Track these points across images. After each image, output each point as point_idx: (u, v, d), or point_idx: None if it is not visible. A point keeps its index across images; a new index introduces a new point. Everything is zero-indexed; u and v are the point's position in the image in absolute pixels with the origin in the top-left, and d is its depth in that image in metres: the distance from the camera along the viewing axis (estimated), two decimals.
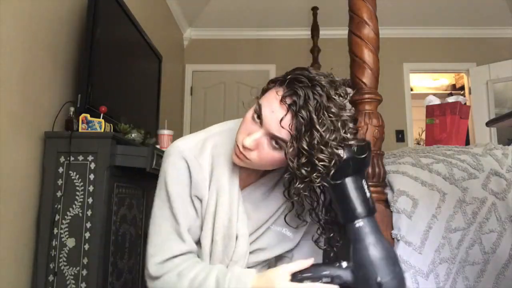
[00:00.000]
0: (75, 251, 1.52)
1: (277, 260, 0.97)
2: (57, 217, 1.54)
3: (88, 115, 1.64)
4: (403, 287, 0.72)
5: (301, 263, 0.75)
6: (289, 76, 0.73)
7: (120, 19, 2.06)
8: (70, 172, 1.56)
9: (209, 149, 0.86)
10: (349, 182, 0.72)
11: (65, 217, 1.54)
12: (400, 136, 4.14)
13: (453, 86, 5.36)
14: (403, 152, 1.27)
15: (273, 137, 0.74)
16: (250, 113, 0.78)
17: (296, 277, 0.74)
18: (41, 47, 1.64)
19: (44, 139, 1.61)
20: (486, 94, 3.97)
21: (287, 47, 4.22)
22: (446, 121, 1.76)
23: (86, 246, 1.52)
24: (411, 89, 4.54)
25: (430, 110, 1.85)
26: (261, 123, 0.75)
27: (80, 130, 1.62)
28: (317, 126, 0.68)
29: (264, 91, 0.79)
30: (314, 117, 0.68)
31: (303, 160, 0.69)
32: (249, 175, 0.89)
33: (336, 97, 0.71)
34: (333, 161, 0.69)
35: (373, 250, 0.70)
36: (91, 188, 1.55)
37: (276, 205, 0.90)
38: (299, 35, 4.13)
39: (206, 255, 0.87)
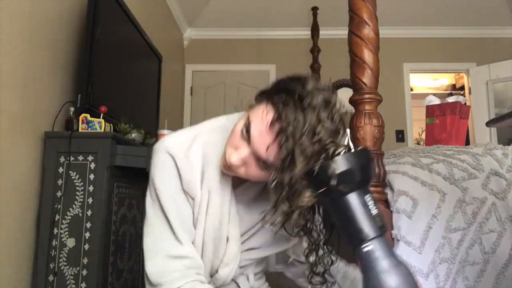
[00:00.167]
0: (75, 251, 1.52)
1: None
2: (57, 217, 1.54)
3: (88, 115, 1.64)
4: None
5: None
6: (279, 93, 0.69)
7: (120, 19, 2.06)
8: (70, 172, 1.56)
9: (200, 147, 0.82)
10: (351, 199, 0.63)
11: (65, 217, 1.54)
12: (400, 136, 4.14)
13: (453, 86, 5.36)
14: (403, 152, 1.27)
15: (260, 159, 0.71)
16: (240, 125, 0.74)
17: None
18: (41, 47, 1.64)
19: (44, 139, 1.61)
20: (486, 94, 3.97)
21: (287, 47, 4.23)
22: (446, 121, 1.76)
23: (86, 246, 1.52)
24: (411, 89, 4.54)
25: (430, 110, 1.85)
26: (249, 140, 0.71)
27: (80, 130, 1.62)
28: (299, 159, 0.64)
29: (257, 100, 0.75)
30: (297, 149, 0.64)
31: (285, 192, 0.66)
32: None
33: (328, 122, 0.66)
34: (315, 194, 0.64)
35: (387, 278, 0.59)
36: (91, 188, 1.55)
37: (269, 204, 0.85)
38: (299, 35, 4.13)
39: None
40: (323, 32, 3.62)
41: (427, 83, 5.48)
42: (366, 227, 0.61)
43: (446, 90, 5.39)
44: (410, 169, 1.14)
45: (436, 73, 5.01)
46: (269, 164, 0.70)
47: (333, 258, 0.76)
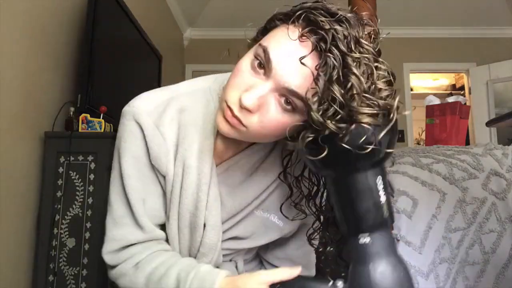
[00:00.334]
0: (75, 251, 1.52)
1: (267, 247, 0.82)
2: (57, 217, 1.54)
3: (88, 115, 1.64)
4: None
5: (285, 272, 0.58)
6: (300, 10, 0.54)
7: (120, 19, 2.06)
8: (70, 172, 1.56)
9: (174, 114, 0.67)
10: (360, 178, 0.51)
11: (65, 217, 1.54)
12: (400, 136, 4.15)
13: (453, 86, 5.36)
14: (403, 152, 1.27)
15: (285, 94, 0.53)
16: (247, 61, 0.57)
17: None
18: (41, 47, 1.63)
19: (44, 139, 1.61)
20: (486, 94, 3.98)
21: None
22: (446, 121, 1.76)
23: (86, 246, 1.52)
24: (411, 89, 4.54)
25: (430, 110, 1.85)
26: (267, 73, 0.54)
27: (80, 130, 1.62)
28: (354, 70, 0.48)
29: (266, 31, 0.60)
30: (348, 57, 0.49)
31: (330, 113, 0.49)
32: (227, 148, 0.69)
33: (366, 40, 0.52)
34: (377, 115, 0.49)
35: (380, 279, 0.50)
36: (91, 188, 1.55)
37: (261, 186, 0.72)
38: None
39: (174, 241, 0.72)
40: None
41: (427, 83, 5.48)
42: (369, 216, 0.51)
43: (446, 90, 5.39)
44: (410, 169, 1.14)
45: (436, 73, 5.01)
46: (295, 101, 0.53)
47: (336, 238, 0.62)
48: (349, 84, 0.48)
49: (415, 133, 4.67)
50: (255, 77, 0.55)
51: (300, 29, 0.52)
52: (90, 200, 1.54)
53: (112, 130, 1.72)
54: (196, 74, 4.32)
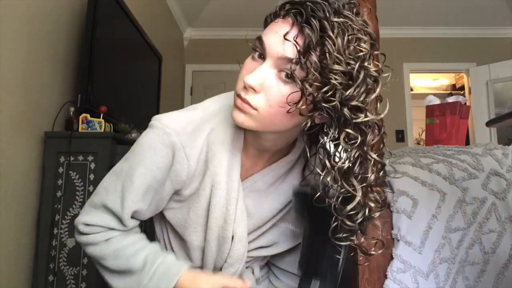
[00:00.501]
0: (75, 251, 1.52)
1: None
2: (57, 217, 1.54)
3: (88, 115, 1.64)
4: None
5: (239, 283, 0.69)
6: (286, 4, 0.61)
7: (120, 19, 2.06)
8: (70, 172, 1.56)
9: (204, 135, 0.70)
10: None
11: (65, 217, 1.54)
12: (400, 136, 4.15)
13: (453, 86, 5.36)
14: (403, 152, 1.27)
15: (282, 67, 0.59)
16: (249, 57, 0.66)
17: None
18: (41, 47, 1.64)
19: (44, 139, 1.61)
20: (486, 94, 3.97)
21: None
22: (446, 121, 1.76)
23: None
24: (411, 89, 4.54)
25: (430, 110, 1.85)
26: (263, 56, 0.61)
27: (80, 130, 1.62)
28: (329, 33, 0.54)
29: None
30: (326, 23, 0.55)
31: (317, 82, 0.56)
32: (254, 163, 0.75)
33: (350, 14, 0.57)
34: (352, 74, 0.55)
35: None
36: (91, 188, 1.55)
37: (285, 199, 0.77)
38: None
39: (196, 252, 0.77)
40: None
41: (427, 83, 5.48)
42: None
43: (446, 90, 5.39)
44: (410, 169, 1.14)
45: (436, 73, 5.01)
46: (293, 69, 0.58)
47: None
48: (324, 47, 0.54)
49: (415, 133, 4.67)
50: (256, 63, 0.62)
51: (283, 13, 0.60)
52: None
53: (112, 130, 1.72)
54: (196, 74, 4.32)
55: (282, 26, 0.59)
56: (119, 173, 0.71)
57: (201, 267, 0.79)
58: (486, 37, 4.24)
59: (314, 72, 0.55)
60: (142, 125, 2.09)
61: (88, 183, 1.56)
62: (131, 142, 1.81)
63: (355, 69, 0.55)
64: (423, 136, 4.10)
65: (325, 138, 0.59)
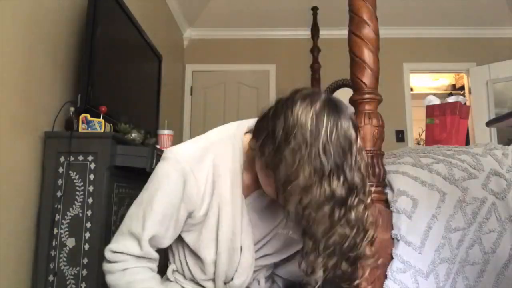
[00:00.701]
0: (75, 251, 1.52)
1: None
2: (57, 217, 1.54)
3: (88, 115, 1.64)
4: None
5: None
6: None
7: (120, 19, 2.06)
8: (70, 172, 1.56)
9: (211, 160, 0.82)
10: None
11: (65, 217, 1.54)
12: (400, 136, 4.14)
13: (453, 86, 5.36)
14: (403, 152, 1.27)
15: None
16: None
17: None
18: (41, 47, 1.64)
19: (44, 139, 1.61)
20: (486, 94, 3.97)
21: (287, 47, 4.22)
22: (446, 121, 1.76)
23: (86, 246, 1.52)
24: (411, 89, 4.54)
25: (430, 110, 1.85)
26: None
27: (80, 130, 1.62)
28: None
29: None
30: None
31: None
32: (254, 181, 0.86)
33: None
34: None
35: None
36: (91, 188, 1.55)
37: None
38: (299, 35, 4.12)
39: (209, 266, 0.86)
40: (323, 32, 3.62)
41: (427, 83, 5.47)
42: None
43: (446, 90, 5.38)
44: (410, 169, 1.14)
45: (436, 73, 5.01)
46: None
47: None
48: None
49: (415, 133, 4.67)
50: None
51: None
52: (90, 200, 1.54)
53: (112, 130, 1.72)
54: (196, 74, 4.32)
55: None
56: (141, 202, 0.82)
57: (213, 279, 0.88)
58: (486, 37, 4.23)
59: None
60: (142, 125, 2.10)
61: (88, 183, 1.56)
62: (131, 142, 1.82)
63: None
64: (423, 136, 4.10)
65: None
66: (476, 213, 1.07)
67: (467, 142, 1.97)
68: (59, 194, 1.55)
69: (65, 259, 1.52)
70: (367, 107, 1.12)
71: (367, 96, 1.12)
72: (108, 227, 1.59)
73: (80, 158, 1.57)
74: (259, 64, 4.26)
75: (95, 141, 1.59)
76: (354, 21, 1.16)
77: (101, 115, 1.68)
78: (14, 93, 1.48)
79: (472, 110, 3.83)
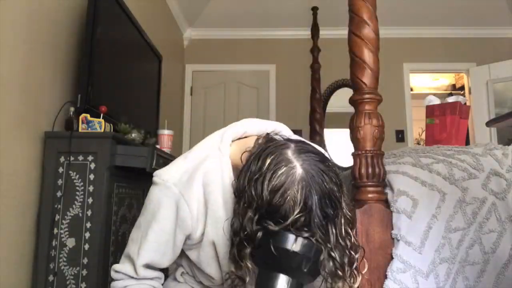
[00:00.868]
0: (75, 251, 1.52)
1: None
2: (57, 217, 1.54)
3: (88, 115, 1.64)
4: None
5: None
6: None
7: (120, 19, 2.06)
8: (70, 172, 1.56)
9: (200, 181, 0.82)
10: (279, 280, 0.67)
11: (65, 217, 1.54)
12: (400, 136, 4.14)
13: (453, 86, 5.36)
14: (403, 152, 1.27)
15: None
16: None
17: None
18: (41, 47, 1.64)
19: (44, 139, 1.61)
20: (486, 94, 3.97)
21: (287, 47, 4.22)
22: (446, 121, 1.76)
23: (86, 246, 1.52)
24: (411, 89, 4.54)
25: (430, 110, 1.85)
26: None
27: (80, 130, 1.62)
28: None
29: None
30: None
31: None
32: None
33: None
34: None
35: None
36: (91, 188, 1.55)
37: None
38: (299, 35, 4.13)
39: (215, 278, 0.88)
40: (323, 32, 3.63)
41: (427, 83, 5.47)
42: None
43: (446, 90, 5.38)
44: (410, 169, 1.14)
45: (436, 73, 5.01)
46: None
47: None
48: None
49: (415, 133, 4.67)
50: None
51: None
52: (90, 200, 1.54)
53: (112, 130, 1.72)
54: (196, 74, 4.32)
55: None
56: (139, 226, 0.85)
57: (222, 284, 0.90)
58: (486, 37, 4.23)
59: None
60: (142, 125, 2.10)
61: (88, 183, 1.56)
62: (131, 142, 1.81)
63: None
64: (423, 136, 4.10)
65: None
66: (476, 213, 1.07)
67: (467, 142, 1.97)
68: (59, 194, 1.55)
69: (65, 259, 1.52)
70: (367, 107, 1.12)
71: (367, 96, 1.12)
72: (108, 227, 1.59)
73: (80, 158, 1.57)
74: (259, 64, 4.26)
75: (95, 141, 1.59)
76: (354, 21, 1.16)
77: (101, 115, 1.68)
78: (14, 93, 1.48)
79: (472, 110, 3.84)
